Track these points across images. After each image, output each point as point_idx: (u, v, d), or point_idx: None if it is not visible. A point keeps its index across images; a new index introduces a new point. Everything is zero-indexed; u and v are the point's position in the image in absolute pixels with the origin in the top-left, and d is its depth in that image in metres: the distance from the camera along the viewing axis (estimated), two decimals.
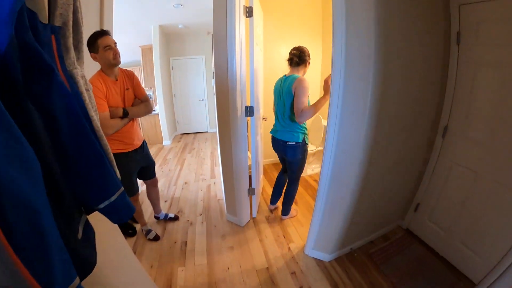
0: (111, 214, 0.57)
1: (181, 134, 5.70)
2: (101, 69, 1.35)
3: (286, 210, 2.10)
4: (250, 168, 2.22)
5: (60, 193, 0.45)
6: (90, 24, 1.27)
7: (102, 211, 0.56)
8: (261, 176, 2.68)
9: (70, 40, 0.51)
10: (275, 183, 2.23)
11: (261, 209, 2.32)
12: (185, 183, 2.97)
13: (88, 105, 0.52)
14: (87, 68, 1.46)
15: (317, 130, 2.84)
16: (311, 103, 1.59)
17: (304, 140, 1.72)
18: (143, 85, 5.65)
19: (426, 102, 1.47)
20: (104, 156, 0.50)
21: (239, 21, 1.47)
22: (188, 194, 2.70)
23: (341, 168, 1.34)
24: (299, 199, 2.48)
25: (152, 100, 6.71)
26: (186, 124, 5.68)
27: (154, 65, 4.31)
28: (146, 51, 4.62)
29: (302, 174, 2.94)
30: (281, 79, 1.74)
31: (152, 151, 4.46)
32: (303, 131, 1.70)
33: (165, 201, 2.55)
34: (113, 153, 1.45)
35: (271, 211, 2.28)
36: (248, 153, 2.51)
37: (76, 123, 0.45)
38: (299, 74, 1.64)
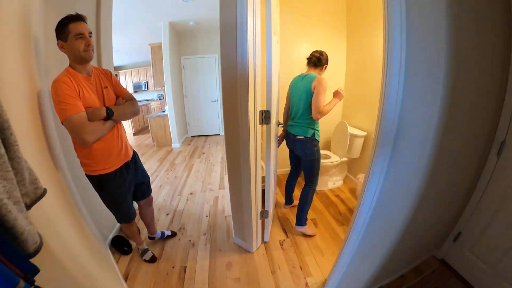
0: None
1: (192, 136, 5.52)
2: (69, 65, 1.08)
3: (300, 219, 1.86)
4: (263, 180, 1.90)
5: None
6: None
7: None
8: (276, 189, 2.35)
9: None
10: (285, 188, 2.28)
11: (275, 231, 1.99)
12: (191, 193, 2.70)
13: None
14: (51, 62, 1.16)
15: (341, 136, 2.47)
16: (326, 102, 1.65)
17: (313, 135, 1.72)
18: (152, 85, 5.53)
19: (482, 112, 1.12)
20: None
21: (253, 1, 1.14)
22: (192, 206, 2.42)
23: (389, 201, 0.98)
24: (319, 219, 2.13)
25: (164, 100, 6.58)
26: (198, 126, 5.48)
27: (164, 64, 4.11)
28: (156, 49, 4.44)
29: (323, 188, 2.60)
30: (299, 76, 1.78)
31: (160, 154, 4.26)
32: (312, 127, 1.72)
33: (167, 214, 2.29)
34: (97, 175, 1.12)
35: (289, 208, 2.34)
36: (262, 163, 2.20)
37: None
38: (316, 74, 1.70)
